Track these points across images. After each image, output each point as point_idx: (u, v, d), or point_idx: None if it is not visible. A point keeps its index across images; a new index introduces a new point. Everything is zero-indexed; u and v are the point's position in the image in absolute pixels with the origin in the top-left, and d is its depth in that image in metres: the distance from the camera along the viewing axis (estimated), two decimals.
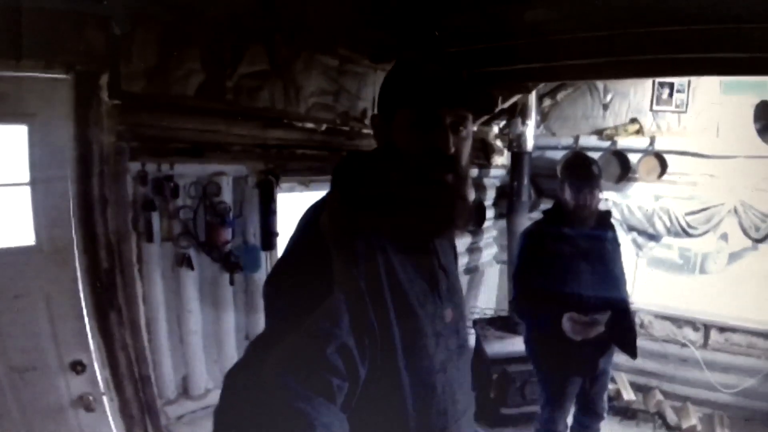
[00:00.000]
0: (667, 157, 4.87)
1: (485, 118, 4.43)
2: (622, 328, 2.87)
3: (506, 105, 4.32)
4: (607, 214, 3.10)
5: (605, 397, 3.24)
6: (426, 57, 1.28)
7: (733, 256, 5.06)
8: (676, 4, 2.55)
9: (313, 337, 1.04)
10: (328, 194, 1.25)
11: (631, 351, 2.91)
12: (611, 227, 3.06)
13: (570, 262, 2.87)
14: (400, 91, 1.21)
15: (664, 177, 4.90)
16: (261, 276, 3.10)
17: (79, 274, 2.41)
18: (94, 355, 2.46)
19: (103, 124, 2.40)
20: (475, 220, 5.07)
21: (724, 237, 4.87)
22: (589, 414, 3.20)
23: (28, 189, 2.29)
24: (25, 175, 2.27)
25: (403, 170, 1.18)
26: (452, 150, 1.16)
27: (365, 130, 3.71)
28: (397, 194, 1.18)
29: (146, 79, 2.53)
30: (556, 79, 4.62)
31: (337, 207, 1.19)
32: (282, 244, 3.09)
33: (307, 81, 3.26)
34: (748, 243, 4.75)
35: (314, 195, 3.28)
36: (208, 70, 2.75)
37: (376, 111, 1.29)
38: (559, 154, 5.25)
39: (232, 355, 3.08)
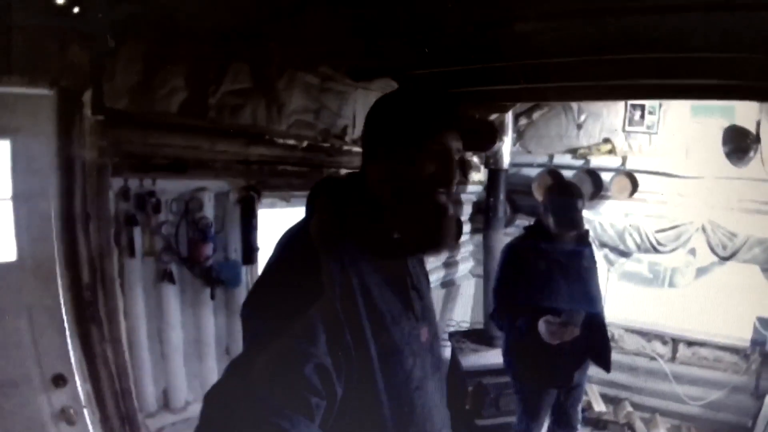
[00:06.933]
0: (638, 176, 5.03)
1: None
2: (598, 342, 2.97)
3: None
4: (586, 233, 3.19)
5: (579, 410, 3.32)
6: (423, 90, 1.33)
7: (701, 271, 5.20)
8: (649, 33, 2.64)
9: (290, 356, 1.05)
10: (316, 210, 1.28)
11: (606, 365, 3.00)
12: (589, 245, 3.15)
13: (549, 277, 2.94)
14: (411, 127, 1.25)
15: (635, 195, 5.05)
16: (242, 291, 3.13)
17: (61, 289, 2.40)
18: (75, 369, 2.45)
19: (85, 140, 2.40)
20: None
21: (692, 252, 5.00)
22: (563, 426, 3.28)
23: (10, 204, 2.27)
24: (7, 191, 2.26)
25: (394, 194, 1.24)
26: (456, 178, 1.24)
27: (345, 147, 3.76)
28: (385, 215, 1.23)
29: (129, 96, 2.53)
30: (534, 99, 4.73)
31: (325, 220, 1.23)
32: (262, 259, 3.12)
33: (289, 98, 3.28)
34: (715, 258, 4.89)
35: (295, 210, 3.34)
36: (191, 87, 2.76)
37: (380, 147, 1.29)
38: (534, 172, 5.38)
39: (212, 368, 3.09)
